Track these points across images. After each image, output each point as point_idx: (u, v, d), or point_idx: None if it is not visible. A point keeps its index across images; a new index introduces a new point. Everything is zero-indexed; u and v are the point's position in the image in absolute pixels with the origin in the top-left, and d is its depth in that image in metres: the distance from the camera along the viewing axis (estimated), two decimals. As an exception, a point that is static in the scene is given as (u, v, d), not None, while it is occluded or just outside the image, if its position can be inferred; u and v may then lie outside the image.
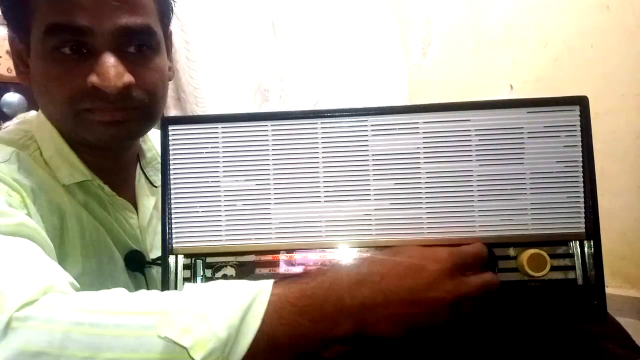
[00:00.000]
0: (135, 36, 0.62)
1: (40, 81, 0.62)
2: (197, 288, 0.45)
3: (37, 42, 0.60)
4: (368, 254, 0.52)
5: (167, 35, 0.71)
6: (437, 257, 0.46)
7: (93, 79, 0.59)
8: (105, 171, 0.69)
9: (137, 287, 0.73)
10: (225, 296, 0.43)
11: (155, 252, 0.75)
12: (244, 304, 0.42)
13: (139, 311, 0.42)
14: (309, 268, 0.54)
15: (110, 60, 0.59)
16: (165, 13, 0.68)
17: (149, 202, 0.76)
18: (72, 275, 0.63)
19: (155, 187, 0.78)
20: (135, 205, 0.75)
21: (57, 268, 0.50)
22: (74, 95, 0.61)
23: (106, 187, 0.69)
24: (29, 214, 0.56)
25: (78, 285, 0.50)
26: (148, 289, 0.72)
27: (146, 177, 0.77)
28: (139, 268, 0.72)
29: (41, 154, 0.66)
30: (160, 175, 0.77)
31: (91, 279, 0.66)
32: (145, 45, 0.63)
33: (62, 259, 0.62)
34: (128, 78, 0.61)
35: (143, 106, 0.65)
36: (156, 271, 0.74)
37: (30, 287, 0.43)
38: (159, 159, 0.78)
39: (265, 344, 0.41)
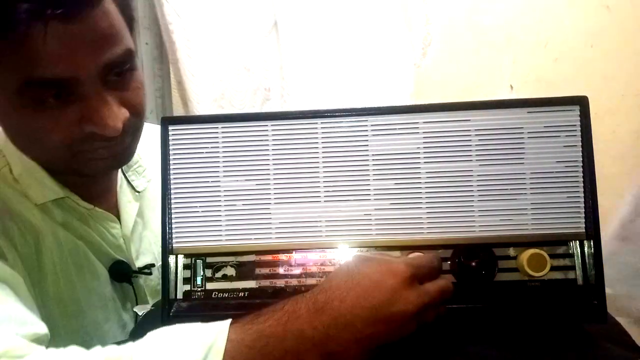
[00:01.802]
0: (119, 65, 0.58)
1: (21, 132, 0.59)
2: (150, 344, 0.43)
3: (10, 96, 0.54)
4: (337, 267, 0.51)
5: (133, 30, 0.65)
6: (395, 270, 0.45)
7: (90, 128, 0.56)
8: (81, 185, 0.67)
9: (123, 299, 0.72)
10: (179, 352, 0.41)
11: (142, 259, 0.73)
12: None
13: None
14: (308, 269, 0.54)
15: (103, 105, 0.56)
16: (131, 18, 0.63)
17: (132, 209, 0.73)
18: (55, 295, 0.62)
19: (138, 192, 0.75)
20: (118, 213, 0.72)
21: (19, 317, 0.48)
22: (70, 142, 0.57)
23: (82, 202, 0.66)
24: None
25: (43, 332, 0.48)
26: (136, 298, 0.71)
27: (128, 182, 0.74)
28: (125, 278, 0.70)
29: (11, 170, 0.62)
30: (142, 179, 0.75)
31: (75, 296, 0.64)
32: (127, 66, 0.59)
33: (41, 279, 0.61)
34: (123, 114, 0.58)
35: (136, 126, 0.63)
36: (143, 280, 0.73)
37: None
38: (141, 162, 0.76)
39: None
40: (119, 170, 0.74)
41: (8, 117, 0.58)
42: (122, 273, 0.70)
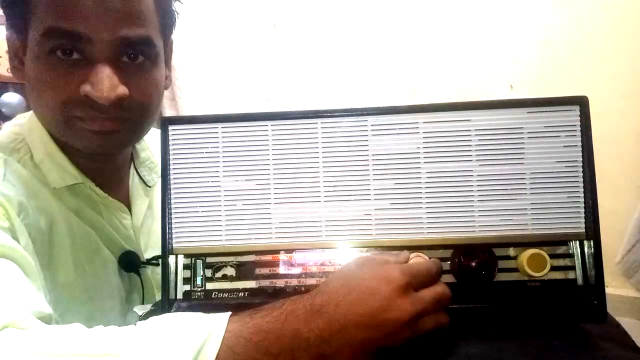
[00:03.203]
0: (134, 47, 0.61)
1: (34, 83, 0.62)
2: (152, 326, 0.43)
3: (34, 44, 0.60)
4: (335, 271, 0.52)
5: (168, 45, 0.70)
6: (389, 277, 0.45)
7: (86, 88, 0.59)
8: (97, 173, 0.69)
9: (131, 288, 0.72)
10: (178, 336, 0.42)
11: (150, 252, 0.74)
12: (196, 345, 0.41)
13: (92, 353, 0.40)
14: (308, 269, 0.54)
15: (105, 71, 0.59)
16: (167, 24, 0.67)
17: (143, 202, 0.76)
18: (64, 281, 0.63)
19: (149, 186, 0.77)
20: (129, 205, 0.74)
21: (27, 295, 0.48)
22: (66, 101, 0.60)
23: (98, 190, 0.68)
24: (12, 227, 0.55)
25: (48, 312, 0.49)
26: (143, 289, 0.73)
27: (140, 177, 0.77)
28: (133, 268, 0.71)
29: (32, 157, 0.65)
30: (153, 174, 0.78)
31: (84, 283, 0.65)
32: (144, 57, 0.63)
33: (52, 265, 0.62)
34: (122, 90, 0.60)
35: (134, 118, 0.64)
36: (151, 271, 0.75)
37: None
38: (153, 159, 0.78)
39: None
40: (132, 165, 0.76)
41: (29, 66, 0.62)
42: (131, 263, 0.71)
